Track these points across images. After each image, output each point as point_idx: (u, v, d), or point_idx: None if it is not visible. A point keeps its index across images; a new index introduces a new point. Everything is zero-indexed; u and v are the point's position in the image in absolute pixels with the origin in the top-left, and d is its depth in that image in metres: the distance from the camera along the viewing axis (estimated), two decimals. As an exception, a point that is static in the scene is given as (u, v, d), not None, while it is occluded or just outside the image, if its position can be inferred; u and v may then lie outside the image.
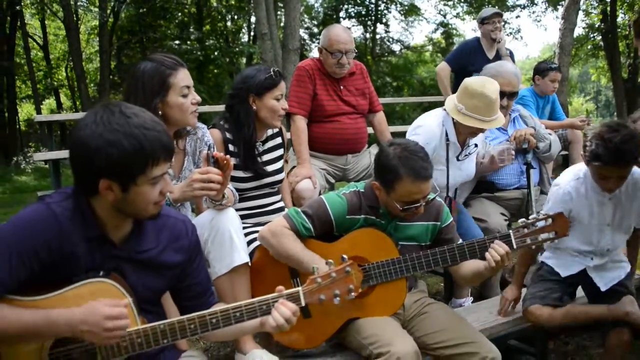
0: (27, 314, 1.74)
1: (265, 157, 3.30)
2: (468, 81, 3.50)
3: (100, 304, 1.77)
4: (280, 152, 3.40)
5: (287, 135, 3.66)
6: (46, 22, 24.53)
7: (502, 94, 3.96)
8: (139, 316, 1.90)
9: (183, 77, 2.67)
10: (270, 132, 3.36)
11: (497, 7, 23.97)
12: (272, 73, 3.15)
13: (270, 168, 3.29)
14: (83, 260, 1.85)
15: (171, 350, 2.15)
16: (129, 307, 1.86)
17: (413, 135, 3.57)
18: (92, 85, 24.94)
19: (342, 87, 4.25)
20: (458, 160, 3.67)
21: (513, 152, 3.78)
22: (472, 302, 3.84)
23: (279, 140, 3.41)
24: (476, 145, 3.77)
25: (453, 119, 3.54)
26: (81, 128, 1.75)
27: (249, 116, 3.16)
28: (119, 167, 1.74)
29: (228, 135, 3.17)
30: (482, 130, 3.56)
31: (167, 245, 2.02)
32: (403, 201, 2.56)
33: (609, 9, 19.27)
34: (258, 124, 3.22)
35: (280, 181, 3.40)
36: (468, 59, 5.79)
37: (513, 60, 6.04)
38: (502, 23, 5.96)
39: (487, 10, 6.05)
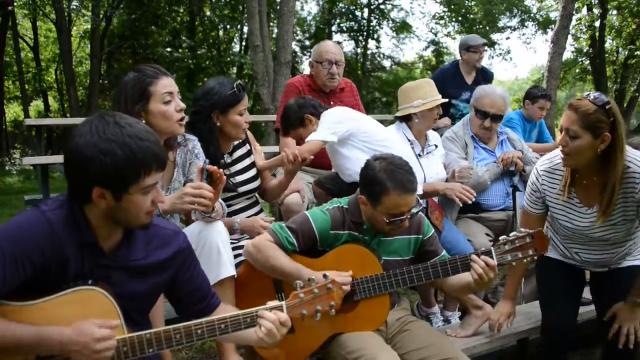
0: (20, 328, 1.76)
1: (235, 168, 3.32)
2: (404, 86, 4.07)
3: (89, 324, 1.80)
4: (250, 160, 3.41)
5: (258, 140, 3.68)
6: (38, 23, 24.39)
7: (486, 115, 4.08)
8: (125, 326, 1.91)
9: (164, 85, 2.67)
10: (236, 141, 3.36)
11: (487, 27, 24.30)
12: (235, 89, 3.11)
13: (241, 177, 3.31)
14: (73, 267, 1.86)
15: (155, 360, 2.16)
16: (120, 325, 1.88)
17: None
18: (81, 89, 24.81)
19: (331, 102, 4.33)
20: (420, 156, 3.91)
21: (471, 172, 3.88)
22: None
23: (246, 148, 3.42)
24: (436, 146, 4.06)
25: (407, 122, 3.99)
26: (76, 137, 1.78)
27: (213, 134, 3.15)
28: (112, 176, 1.77)
29: None
30: (439, 112, 3.97)
31: (157, 254, 2.04)
32: (390, 214, 2.60)
33: (597, 34, 19.54)
34: (222, 138, 3.22)
35: (256, 189, 3.41)
36: (445, 86, 5.42)
37: (490, 81, 6.01)
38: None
39: (475, 39, 5.91)
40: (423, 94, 3.90)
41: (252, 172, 3.40)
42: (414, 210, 2.69)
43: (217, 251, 2.68)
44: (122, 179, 1.79)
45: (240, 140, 3.38)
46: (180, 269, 2.11)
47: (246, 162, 3.39)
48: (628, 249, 3.07)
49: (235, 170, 3.31)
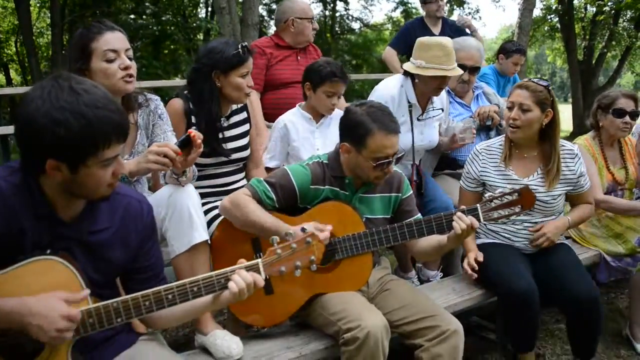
0: None
1: (229, 133, 3.16)
2: (422, 38, 3.65)
3: (56, 299, 1.66)
4: (245, 127, 3.26)
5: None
6: (-7, -7, 23.63)
7: (464, 68, 3.99)
8: (91, 296, 1.78)
9: (107, 41, 2.48)
10: (234, 106, 3.22)
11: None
12: (240, 49, 2.97)
13: (233, 144, 3.16)
14: (30, 238, 1.72)
15: (127, 333, 2.05)
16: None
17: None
18: (43, 60, 24.14)
19: (298, 58, 4.38)
20: (418, 120, 3.69)
21: (474, 132, 3.76)
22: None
23: (244, 115, 3.27)
24: (442, 110, 3.82)
25: (413, 80, 3.61)
26: (28, 103, 1.60)
27: (213, 93, 3.01)
28: (67, 148, 1.60)
29: (192, 106, 3.03)
30: (445, 84, 3.58)
31: (121, 225, 1.90)
32: (375, 157, 2.55)
33: (565, -10, 19.50)
34: (222, 100, 3.08)
35: (246, 158, 3.28)
36: (413, 39, 5.37)
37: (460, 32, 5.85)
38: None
39: None
40: (430, 57, 3.47)
41: (244, 141, 3.24)
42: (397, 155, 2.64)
43: (188, 215, 2.53)
44: (78, 152, 1.62)
45: (240, 105, 3.24)
46: (140, 243, 1.98)
47: (242, 129, 3.24)
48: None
49: (229, 136, 3.16)
